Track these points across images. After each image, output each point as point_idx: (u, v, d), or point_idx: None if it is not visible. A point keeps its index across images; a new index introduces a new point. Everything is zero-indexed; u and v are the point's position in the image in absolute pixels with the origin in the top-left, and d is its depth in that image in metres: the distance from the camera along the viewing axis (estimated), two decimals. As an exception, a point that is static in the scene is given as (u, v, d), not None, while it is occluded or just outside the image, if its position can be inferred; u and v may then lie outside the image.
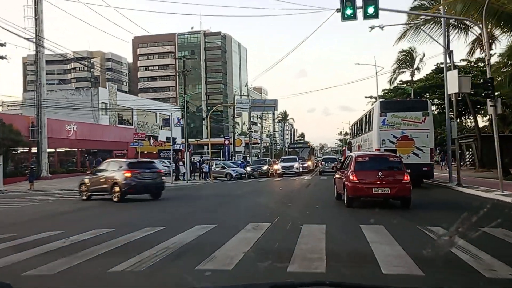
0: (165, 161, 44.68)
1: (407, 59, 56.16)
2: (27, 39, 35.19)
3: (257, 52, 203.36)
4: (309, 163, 46.85)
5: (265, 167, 39.88)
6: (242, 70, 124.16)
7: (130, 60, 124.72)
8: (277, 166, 39.77)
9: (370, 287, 2.89)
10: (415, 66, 56.32)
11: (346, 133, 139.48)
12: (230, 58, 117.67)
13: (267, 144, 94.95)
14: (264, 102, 35.32)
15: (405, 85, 56.77)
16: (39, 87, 37.05)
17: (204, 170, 36.25)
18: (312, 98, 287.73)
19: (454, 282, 5.44)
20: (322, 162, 46.56)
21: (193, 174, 36.88)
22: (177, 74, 36.17)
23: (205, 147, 67.75)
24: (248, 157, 64.13)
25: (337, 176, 15.41)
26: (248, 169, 40.46)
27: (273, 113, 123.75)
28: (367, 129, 24.59)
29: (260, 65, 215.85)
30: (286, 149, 59.24)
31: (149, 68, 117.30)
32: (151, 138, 65.40)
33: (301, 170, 39.27)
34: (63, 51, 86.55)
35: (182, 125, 58.21)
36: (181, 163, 37.31)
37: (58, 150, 43.88)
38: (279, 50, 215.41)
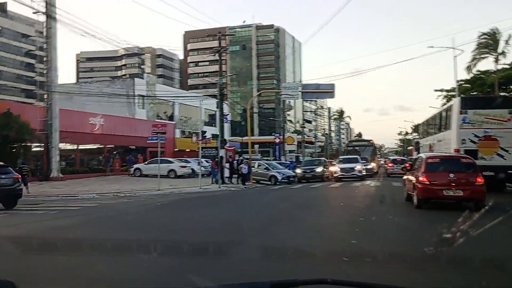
0: (203, 160, 37.84)
1: (488, 43, 46.24)
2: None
3: (312, 46, 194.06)
4: (373, 164, 38.48)
5: (319, 169, 31.97)
6: (296, 65, 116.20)
7: (181, 56, 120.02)
8: (334, 168, 31.72)
9: (372, 285, 2.34)
10: (499, 50, 46.32)
11: (407, 133, 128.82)
12: (284, 53, 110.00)
13: (322, 143, 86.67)
14: (318, 87, 27.47)
15: (483, 75, 47.06)
16: (50, 71, 30.98)
17: (242, 172, 28.83)
18: (368, 98, 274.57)
19: None
20: (390, 164, 38.44)
21: (229, 177, 29.56)
22: (221, 61, 28.14)
23: (256, 146, 60.68)
24: (301, 157, 56.29)
25: (407, 177, 15.14)
26: (298, 171, 32.70)
27: (329, 111, 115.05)
28: (442, 128, 22.67)
29: (315, 61, 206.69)
30: (345, 148, 50.68)
31: (199, 63, 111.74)
32: (194, 134, 59.12)
33: (364, 173, 31.06)
34: (117, 46, 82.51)
35: (229, 121, 50.25)
36: (227, 164, 30.25)
37: (80, 146, 37.96)
38: (336, 45, 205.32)
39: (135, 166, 35.51)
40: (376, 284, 2.37)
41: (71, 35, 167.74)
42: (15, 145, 30.26)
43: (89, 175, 33.47)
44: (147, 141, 26.73)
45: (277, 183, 29.28)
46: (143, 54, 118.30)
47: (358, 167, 30.49)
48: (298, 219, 11.39)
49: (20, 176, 18.17)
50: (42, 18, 30.90)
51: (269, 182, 29.68)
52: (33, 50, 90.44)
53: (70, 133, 33.94)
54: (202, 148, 48.17)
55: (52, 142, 30.74)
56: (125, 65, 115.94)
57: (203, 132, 27.39)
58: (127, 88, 50.56)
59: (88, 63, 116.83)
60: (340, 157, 36.66)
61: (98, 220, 12.16)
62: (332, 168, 33.73)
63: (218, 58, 34.90)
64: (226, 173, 30.33)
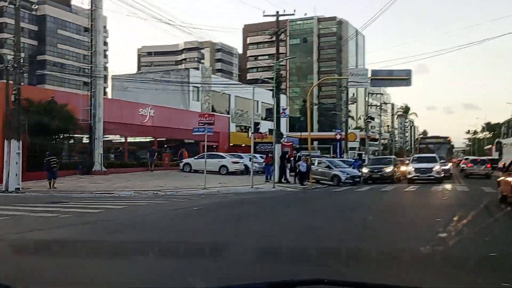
0: (258, 156, 34.48)
1: None
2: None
3: (376, 40, 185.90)
4: (450, 165, 33.56)
5: (388, 169, 27.68)
6: (359, 59, 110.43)
7: (240, 50, 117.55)
8: (408, 168, 27.28)
9: (369, 285, 2.38)
10: None
11: (475, 132, 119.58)
12: (346, 46, 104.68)
13: (386, 140, 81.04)
14: (391, 73, 23.21)
15: None
16: (94, 56, 28.66)
17: (300, 170, 25.09)
18: (432, 95, 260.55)
19: None
20: (470, 164, 33.46)
21: (283, 175, 25.90)
22: (278, 42, 24.44)
23: (315, 142, 56.65)
24: (363, 155, 51.67)
25: (504, 178, 14.02)
26: (365, 170, 28.55)
27: (393, 107, 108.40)
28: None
29: (377, 57, 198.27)
30: (416, 146, 45.54)
31: (259, 57, 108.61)
32: (250, 129, 55.97)
33: (442, 174, 26.45)
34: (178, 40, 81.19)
35: (287, 116, 46.71)
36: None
37: (129, 139, 35.64)
38: (400, 39, 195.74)
39: (185, 160, 32.68)
40: (373, 284, 2.32)
41: (133, 28, 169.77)
42: (59, 136, 28.20)
43: (135, 170, 30.96)
44: (193, 133, 23.61)
45: (340, 183, 25.34)
46: (203, 48, 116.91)
47: (436, 167, 25.88)
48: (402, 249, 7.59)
49: None
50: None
51: (330, 182, 25.80)
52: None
53: (118, 125, 31.60)
54: (257, 143, 45.16)
55: (95, 133, 28.39)
56: (185, 59, 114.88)
57: (256, 124, 23.93)
58: (182, 79, 48.14)
59: (149, 58, 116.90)
60: (415, 155, 32.05)
61: (99, 234, 8.97)
62: (404, 168, 29.32)
63: (276, 52, 31.03)
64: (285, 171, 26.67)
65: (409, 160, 31.41)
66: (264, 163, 27.15)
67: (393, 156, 37.45)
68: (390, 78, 23.56)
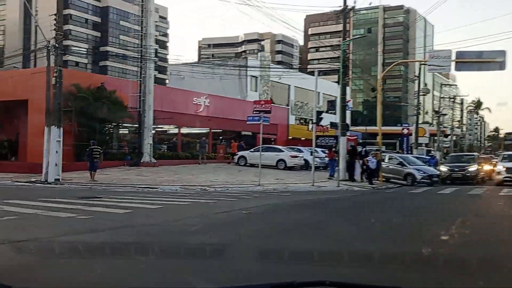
0: (319, 150, 31.45)
1: None
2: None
3: (445, 30, 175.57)
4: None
5: (472, 168, 23.83)
6: (427, 50, 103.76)
7: (301, 42, 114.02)
8: (498, 168, 23.26)
9: (371, 287, 2.53)
10: None
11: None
12: (413, 36, 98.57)
13: (456, 136, 75.15)
14: (480, 55, 19.34)
15: None
16: (145, 38, 26.68)
17: (369, 166, 21.82)
18: (504, 90, 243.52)
19: None
20: None
21: (351, 172, 22.68)
22: (345, 20, 21.21)
23: (379, 138, 52.60)
24: (432, 151, 47.17)
25: None
26: (443, 169, 24.83)
27: (462, 101, 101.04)
28: None
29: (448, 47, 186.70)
30: (501, 142, 40.67)
31: (320, 49, 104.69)
32: (311, 121, 52.79)
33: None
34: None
35: (350, 109, 43.38)
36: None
37: (182, 130, 33.62)
38: (472, 30, 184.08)
39: (240, 153, 30.16)
40: (375, 285, 2.55)
41: (194, 20, 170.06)
42: (107, 124, 26.50)
43: (186, 162, 28.79)
44: (247, 122, 20.96)
45: (415, 183, 21.86)
46: (263, 40, 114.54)
47: (534, 167, 21.76)
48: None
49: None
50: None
51: (403, 182, 22.36)
52: (156, 35, 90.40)
53: (171, 114, 29.57)
54: (318, 136, 42.00)
55: (145, 121, 26.43)
56: (245, 51, 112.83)
57: (319, 113, 20.96)
58: (239, 68, 45.76)
59: (210, 50, 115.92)
60: (505, 153, 27.81)
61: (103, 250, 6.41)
62: (488, 167, 25.32)
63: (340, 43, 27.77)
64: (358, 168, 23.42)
65: (497, 158, 27.22)
66: (327, 159, 24.04)
67: (475, 153, 33.15)
68: (479, 61, 19.76)
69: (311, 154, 22.56)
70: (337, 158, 23.16)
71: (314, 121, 20.76)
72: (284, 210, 11.68)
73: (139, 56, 26.99)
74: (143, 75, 26.38)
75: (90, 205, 11.34)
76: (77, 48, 79.99)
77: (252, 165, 28.60)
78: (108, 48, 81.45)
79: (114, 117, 25.76)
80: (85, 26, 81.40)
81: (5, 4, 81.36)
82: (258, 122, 19.33)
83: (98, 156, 19.62)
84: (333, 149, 23.73)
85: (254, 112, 19.94)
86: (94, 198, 13.56)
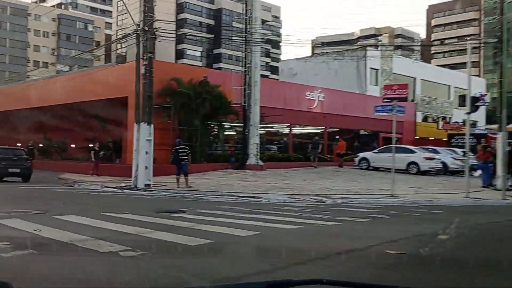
0: (457, 150, 25.80)
1: None
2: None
3: None
4: None
5: None
6: None
7: (423, 35, 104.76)
8: None
9: (368, 285, 2.38)
10: None
11: None
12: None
13: None
14: None
15: None
16: (250, 21, 23.29)
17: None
18: None
19: None
20: None
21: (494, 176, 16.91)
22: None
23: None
24: None
25: None
26: None
27: None
28: None
29: None
30: None
31: (445, 41, 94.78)
32: (441, 119, 46.04)
33: None
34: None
35: (486, 104, 36.57)
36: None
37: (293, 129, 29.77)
38: None
39: (361, 155, 25.48)
40: (373, 284, 2.34)
41: (308, 20, 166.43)
42: (210, 123, 23.58)
43: (297, 165, 24.88)
44: (374, 113, 16.39)
45: None
46: (380, 35, 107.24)
47: None
48: None
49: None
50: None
51: None
52: (268, 35, 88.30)
53: (281, 110, 25.91)
54: (453, 135, 35.66)
55: (250, 118, 23.03)
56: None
57: (474, 100, 15.68)
58: (357, 61, 40.89)
59: (323, 48, 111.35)
60: None
61: None
62: None
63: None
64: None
65: None
66: (478, 161, 18.45)
67: None
68: None
69: (464, 155, 17.32)
70: (491, 161, 17.67)
71: (468, 110, 15.51)
72: (464, 247, 7.09)
73: (243, 41, 23.62)
74: (247, 64, 23.01)
75: (157, 226, 7.86)
76: (191, 52, 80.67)
77: (375, 169, 23.91)
78: (222, 50, 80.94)
79: (216, 113, 22.75)
80: (199, 29, 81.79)
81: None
82: (390, 113, 14.71)
83: (186, 157, 16.39)
84: (488, 148, 18.15)
85: (384, 101, 15.33)
86: (175, 212, 10.19)
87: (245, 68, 23.24)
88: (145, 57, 16.31)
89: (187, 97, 21.97)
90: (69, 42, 77.38)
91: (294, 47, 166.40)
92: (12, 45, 70.87)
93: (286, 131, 29.69)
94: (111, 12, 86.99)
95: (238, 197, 13.83)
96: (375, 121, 32.28)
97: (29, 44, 73.77)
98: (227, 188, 16.02)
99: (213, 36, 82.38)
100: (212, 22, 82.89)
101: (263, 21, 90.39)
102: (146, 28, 16.18)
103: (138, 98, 16.57)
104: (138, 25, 16.53)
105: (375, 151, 24.85)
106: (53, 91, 27.64)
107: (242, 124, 23.64)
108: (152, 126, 16.40)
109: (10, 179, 19.43)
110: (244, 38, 23.74)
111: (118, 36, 79.34)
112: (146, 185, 16.03)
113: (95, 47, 67.14)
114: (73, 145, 29.71)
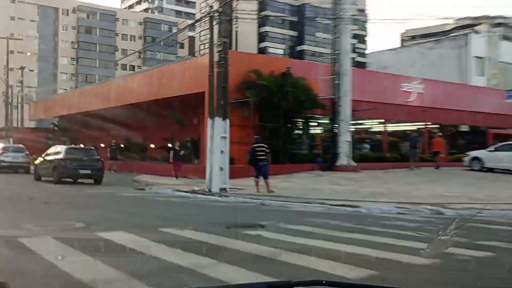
0: None
1: None
2: None
3: None
4: None
5: None
6: None
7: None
8: None
9: (367, 286, 2.42)
10: None
11: None
12: None
13: None
14: None
15: None
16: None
17: None
18: None
19: None
20: None
21: None
22: None
23: None
24: None
25: None
26: None
27: None
28: None
29: None
30: None
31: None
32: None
33: None
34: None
35: None
36: None
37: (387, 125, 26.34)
38: None
39: (472, 153, 21.60)
40: (372, 285, 2.41)
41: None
42: (292, 117, 21.09)
43: (393, 165, 21.63)
44: (505, 99, 12.93)
45: None
46: (477, 25, 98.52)
47: None
48: None
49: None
50: None
51: None
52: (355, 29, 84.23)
53: (372, 104, 22.78)
54: None
55: (340, 112, 20.19)
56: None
57: None
58: (458, 49, 36.46)
59: (413, 42, 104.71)
60: None
61: None
62: None
63: None
64: None
65: None
66: None
67: None
68: None
69: None
70: None
71: None
72: None
73: (332, 25, 20.81)
74: (336, 51, 20.18)
75: (222, 254, 5.49)
76: (273, 49, 78.73)
77: (491, 170, 20.06)
78: (305, 47, 78.29)
79: (301, 108, 20.21)
80: (281, 26, 79.79)
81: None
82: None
83: (264, 157, 13.91)
84: None
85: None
86: (252, 227, 7.83)
87: (333, 55, 20.43)
88: (220, 43, 14.18)
89: (268, 91, 19.66)
90: (155, 45, 78.70)
91: (381, 40, 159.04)
92: (101, 49, 73.26)
93: (379, 128, 26.43)
94: (194, 14, 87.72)
95: (330, 206, 11.18)
96: (487, 116, 28.07)
97: (117, 47, 75.90)
98: (315, 194, 13.41)
99: (296, 33, 80.00)
100: (294, 18, 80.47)
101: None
102: (220, 10, 14.04)
103: (211, 89, 14.48)
104: (211, 6, 14.44)
105: (491, 149, 20.92)
106: (131, 90, 26.64)
107: (329, 120, 20.87)
108: (227, 121, 14.22)
109: (83, 181, 18.30)
110: (333, 18, 20.85)
111: (201, 38, 79.47)
112: (221, 189, 13.88)
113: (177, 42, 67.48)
114: (152, 145, 28.63)
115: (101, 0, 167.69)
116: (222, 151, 14.00)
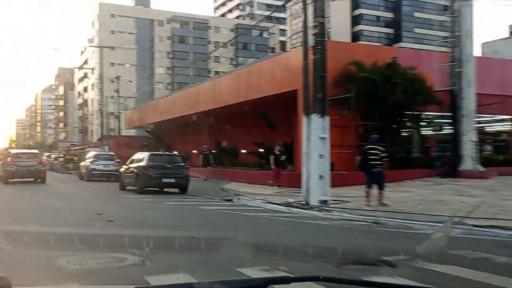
0: None
1: None
2: None
3: None
4: None
5: None
6: None
7: None
8: None
9: (364, 282, 2.32)
10: None
11: None
12: None
13: None
14: None
15: None
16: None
17: None
18: None
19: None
20: None
21: None
22: None
23: None
24: None
25: None
26: None
27: None
28: None
29: None
30: None
31: None
32: None
33: None
34: None
35: None
36: None
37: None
38: None
39: None
40: (369, 281, 2.44)
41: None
42: (402, 114, 17.89)
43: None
44: None
45: None
46: None
47: None
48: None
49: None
50: None
51: None
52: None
53: (498, 98, 18.80)
54: None
55: (462, 106, 16.63)
56: None
57: None
58: None
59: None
60: None
61: None
62: None
63: None
64: None
65: None
66: None
67: None
68: None
69: None
70: None
71: None
72: None
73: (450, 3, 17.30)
74: (456, 33, 16.65)
75: None
76: (369, 34, 74.21)
77: None
78: (402, 44, 73.05)
79: (412, 103, 16.99)
80: (376, 24, 75.31)
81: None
82: None
83: (379, 163, 10.89)
84: None
85: None
86: (373, 265, 5.19)
87: (452, 38, 16.94)
88: (315, 24, 11.62)
89: (371, 84, 16.73)
90: (246, 51, 78.03)
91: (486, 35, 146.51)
92: (195, 58, 73.91)
93: (507, 125, 22.19)
94: (285, 19, 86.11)
95: (472, 228, 8.10)
96: None
97: (210, 55, 76.22)
98: (442, 208, 10.31)
99: (393, 15, 75.03)
100: (390, 15, 75.59)
101: (445, 8, 79.87)
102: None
103: (306, 81, 11.94)
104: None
105: None
106: (219, 92, 24.96)
107: (451, 115, 17.33)
108: (327, 118, 11.58)
109: (168, 189, 16.67)
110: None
111: (292, 42, 77.29)
112: (321, 201, 11.26)
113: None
114: (243, 150, 26.73)
115: (193, 9, 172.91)
116: (321, 155, 11.39)
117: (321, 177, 11.38)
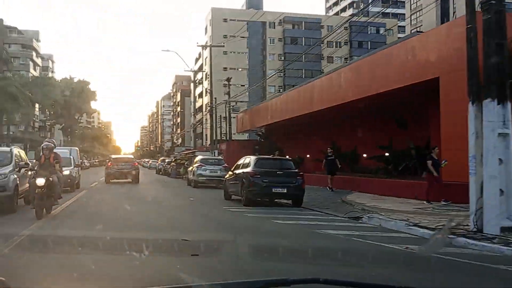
0: None
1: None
2: None
3: None
4: None
5: None
6: None
7: None
8: None
9: (364, 285, 2.35)
10: None
11: None
12: None
13: None
14: None
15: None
16: None
17: None
18: None
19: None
20: None
21: None
22: None
23: None
24: None
25: None
26: None
27: None
28: None
29: None
30: None
31: None
32: None
33: None
34: None
35: None
36: None
37: None
38: None
39: None
40: (369, 283, 2.30)
41: None
42: None
43: None
44: None
45: None
46: None
47: None
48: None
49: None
50: None
51: None
52: None
53: None
54: None
55: None
56: None
57: None
58: None
59: None
60: None
61: None
62: None
63: None
64: None
65: None
66: None
67: None
68: None
69: None
70: None
71: None
72: None
73: None
74: None
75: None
76: None
77: None
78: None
79: None
80: None
81: None
82: None
83: None
84: None
85: None
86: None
87: None
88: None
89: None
90: (361, 49, 73.42)
91: None
92: (307, 59, 71.10)
93: None
94: (403, 14, 79.91)
95: None
96: None
97: (323, 56, 72.94)
98: None
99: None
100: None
101: None
102: None
103: (472, 52, 8.21)
104: None
105: None
106: (336, 88, 21.60)
107: None
108: (509, 106, 7.76)
109: (280, 200, 13.82)
110: None
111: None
112: (503, 228, 7.48)
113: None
114: (364, 155, 23.12)
115: (305, 9, 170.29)
116: (500, 159, 7.62)
117: (502, 192, 7.60)
